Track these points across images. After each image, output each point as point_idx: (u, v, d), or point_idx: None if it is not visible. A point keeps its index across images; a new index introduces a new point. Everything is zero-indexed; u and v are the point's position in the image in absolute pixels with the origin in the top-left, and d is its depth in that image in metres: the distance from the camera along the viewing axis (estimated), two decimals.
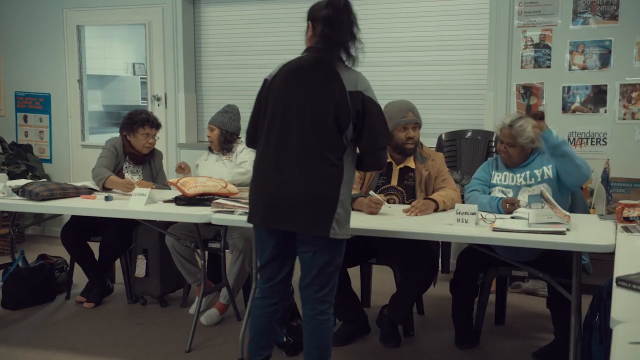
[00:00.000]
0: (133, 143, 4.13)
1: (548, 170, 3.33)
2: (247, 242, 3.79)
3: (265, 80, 2.64)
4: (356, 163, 2.62)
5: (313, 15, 2.54)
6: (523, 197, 3.30)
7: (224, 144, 4.08)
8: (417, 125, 3.46)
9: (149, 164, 4.24)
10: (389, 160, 3.48)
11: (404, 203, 3.47)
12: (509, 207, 3.17)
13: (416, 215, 3.18)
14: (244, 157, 4.00)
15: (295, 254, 2.69)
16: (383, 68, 5.24)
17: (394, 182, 3.51)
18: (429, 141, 4.83)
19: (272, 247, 2.65)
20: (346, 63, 2.53)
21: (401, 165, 3.50)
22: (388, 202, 3.42)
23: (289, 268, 2.74)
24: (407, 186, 3.51)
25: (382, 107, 3.40)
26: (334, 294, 2.66)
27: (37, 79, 6.14)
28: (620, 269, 2.08)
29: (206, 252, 3.80)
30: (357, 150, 2.61)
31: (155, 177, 4.25)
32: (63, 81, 6.05)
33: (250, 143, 2.73)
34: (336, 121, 2.44)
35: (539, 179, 3.33)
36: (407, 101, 3.53)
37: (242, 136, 4.15)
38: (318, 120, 2.45)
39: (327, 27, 2.46)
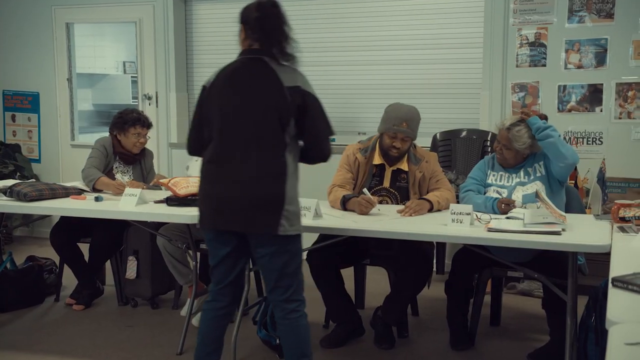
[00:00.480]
0: (123, 142, 4.12)
1: (540, 167, 3.35)
2: None
3: (204, 87, 2.67)
4: (301, 156, 2.68)
5: (244, 18, 2.64)
6: (517, 197, 3.31)
7: None
8: (409, 138, 3.42)
9: (139, 164, 4.23)
10: (381, 162, 3.50)
11: (397, 205, 3.47)
12: (504, 207, 3.18)
13: (410, 215, 3.19)
14: None
15: (246, 255, 2.71)
16: (377, 67, 5.25)
17: (386, 183, 3.52)
18: (423, 140, 4.84)
19: (222, 249, 2.66)
20: (282, 62, 2.59)
21: (394, 167, 3.51)
22: (380, 203, 3.43)
23: (239, 270, 2.72)
24: (400, 188, 3.51)
25: (388, 105, 3.43)
26: (302, 290, 2.68)
27: (26, 77, 6.11)
28: (616, 269, 2.09)
29: (198, 253, 3.79)
30: (301, 144, 2.67)
31: (146, 177, 4.24)
32: (52, 80, 6.03)
33: (193, 151, 2.74)
34: (277, 118, 2.50)
35: (532, 177, 3.35)
36: (410, 109, 3.45)
37: None
38: (259, 120, 2.51)
39: (258, 29, 2.56)
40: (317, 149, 2.66)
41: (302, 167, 5.57)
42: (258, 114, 2.51)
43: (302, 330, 2.65)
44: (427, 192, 3.45)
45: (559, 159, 3.23)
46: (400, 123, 3.38)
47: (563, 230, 2.79)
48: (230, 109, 2.55)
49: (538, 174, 3.34)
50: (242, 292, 2.99)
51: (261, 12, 2.57)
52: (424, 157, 3.52)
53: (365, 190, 3.31)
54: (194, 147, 2.71)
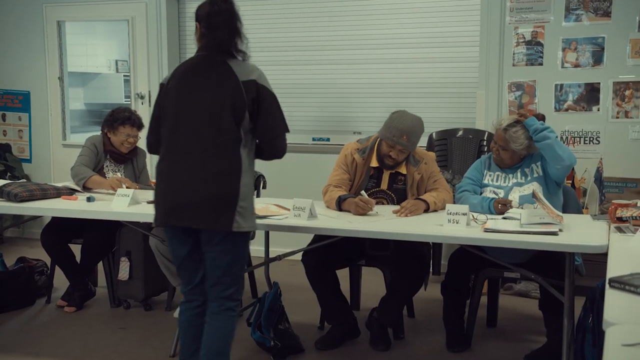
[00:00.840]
0: (113, 141, 4.11)
1: (537, 168, 3.35)
2: None
3: (162, 85, 2.73)
4: (256, 152, 2.71)
5: (198, 16, 2.68)
6: (514, 197, 3.31)
7: None
8: (407, 150, 3.41)
9: (131, 163, 4.22)
10: (377, 165, 3.50)
11: (393, 206, 3.47)
12: (500, 207, 3.19)
13: (406, 216, 3.19)
14: None
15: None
16: (373, 65, 5.25)
17: (384, 185, 3.52)
18: (419, 140, 4.86)
19: (181, 248, 2.69)
20: (237, 57, 2.64)
21: (392, 170, 3.51)
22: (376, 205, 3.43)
23: (205, 270, 2.72)
24: (397, 190, 3.51)
25: (394, 112, 3.41)
26: (242, 293, 2.77)
27: (16, 76, 6.09)
28: (613, 269, 2.09)
29: None
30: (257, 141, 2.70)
31: (138, 177, 4.23)
32: (43, 78, 6.01)
33: (151, 149, 2.78)
34: (233, 112, 2.53)
35: (529, 178, 3.35)
36: (413, 123, 3.39)
37: None
38: (214, 115, 2.54)
39: (211, 26, 2.60)
40: (271, 144, 2.68)
41: (297, 167, 5.60)
42: (213, 109, 2.54)
43: (230, 330, 2.70)
44: (425, 193, 3.45)
45: (556, 161, 3.23)
46: (400, 135, 3.35)
47: (560, 230, 2.80)
48: (185, 105, 2.59)
49: (535, 175, 3.34)
50: None
51: (214, 9, 2.61)
52: (423, 159, 3.51)
53: (363, 192, 3.31)
54: (154, 145, 2.74)
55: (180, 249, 2.68)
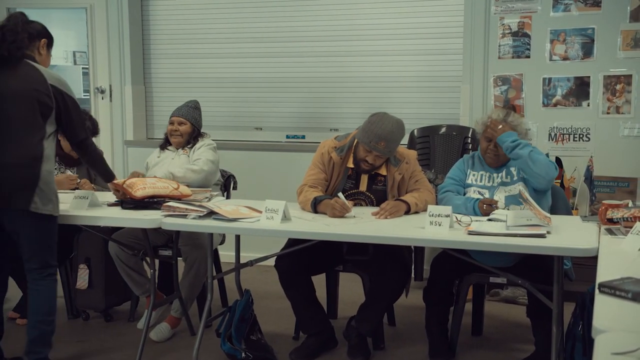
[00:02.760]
0: (62, 144, 4.05)
1: None
2: (201, 249, 3.75)
3: None
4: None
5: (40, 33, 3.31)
6: (500, 198, 3.34)
7: (192, 141, 4.09)
8: (384, 156, 3.40)
9: (84, 165, 4.16)
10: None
11: (372, 207, 3.47)
12: (485, 208, 3.21)
13: (385, 217, 3.19)
14: (200, 154, 3.98)
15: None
16: (350, 58, 5.26)
17: (363, 187, 3.52)
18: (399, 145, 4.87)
19: None
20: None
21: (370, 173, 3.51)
22: (355, 207, 3.44)
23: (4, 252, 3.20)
24: (377, 191, 3.51)
25: (373, 114, 3.42)
26: (55, 257, 3.20)
27: None
28: (603, 274, 2.12)
29: (156, 261, 3.75)
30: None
31: (95, 178, 4.18)
32: None
33: None
34: (40, 110, 3.02)
35: (515, 177, 3.37)
36: (392, 128, 3.36)
37: (207, 135, 4.16)
38: (23, 109, 3.00)
39: (12, 35, 3.06)
40: (79, 149, 3.27)
41: (270, 167, 5.58)
42: (23, 103, 3.00)
43: (53, 292, 3.19)
44: (406, 194, 3.46)
45: (534, 177, 3.27)
46: (378, 141, 3.34)
47: (548, 232, 2.82)
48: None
49: (521, 174, 3.36)
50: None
51: (9, 22, 3.11)
52: (404, 158, 3.51)
53: (340, 194, 3.31)
54: None
55: None
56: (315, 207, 3.30)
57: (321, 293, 3.73)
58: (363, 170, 3.46)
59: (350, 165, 3.50)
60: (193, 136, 4.10)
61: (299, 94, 5.44)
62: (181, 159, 4.04)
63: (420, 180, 3.51)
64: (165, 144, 4.17)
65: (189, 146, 4.08)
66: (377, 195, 3.50)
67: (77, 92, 7.23)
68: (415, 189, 3.47)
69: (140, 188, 3.39)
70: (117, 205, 3.42)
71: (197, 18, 5.61)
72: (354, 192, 3.52)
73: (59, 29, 7.17)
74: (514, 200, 3.27)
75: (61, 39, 7.18)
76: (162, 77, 5.79)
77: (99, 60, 5.72)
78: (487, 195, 3.37)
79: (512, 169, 3.40)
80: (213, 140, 4.20)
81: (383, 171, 3.49)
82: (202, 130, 4.16)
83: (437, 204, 3.39)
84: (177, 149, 4.10)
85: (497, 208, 3.19)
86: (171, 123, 4.10)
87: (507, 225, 2.84)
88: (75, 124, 3.15)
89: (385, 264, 3.36)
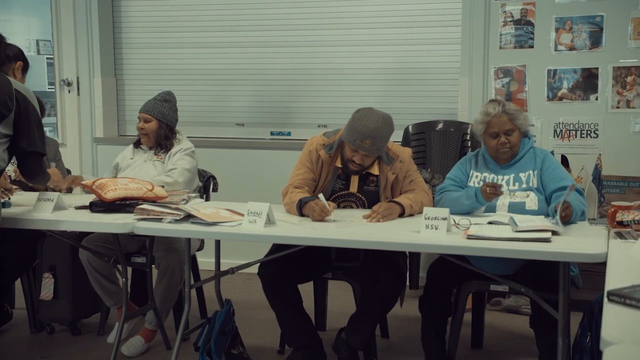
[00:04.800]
0: None
1: (533, 177, 3.38)
2: (177, 256, 3.75)
3: None
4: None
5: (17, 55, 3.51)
6: (503, 203, 3.34)
7: (163, 140, 4.03)
8: (373, 155, 3.41)
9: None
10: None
11: (364, 210, 3.49)
12: (489, 191, 3.21)
13: (378, 221, 3.20)
14: (175, 163, 3.95)
15: None
16: (338, 48, 5.27)
17: (354, 188, 3.52)
18: (394, 134, 4.86)
19: None
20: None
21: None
22: (346, 209, 3.46)
23: None
24: (369, 192, 3.52)
25: (357, 110, 3.44)
26: None
27: None
28: (613, 281, 2.13)
29: (128, 269, 3.74)
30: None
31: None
32: None
33: None
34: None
35: (524, 185, 3.38)
36: (378, 125, 3.34)
37: (180, 133, 4.13)
38: None
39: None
40: (22, 161, 3.30)
41: (253, 166, 5.57)
42: None
43: None
44: (400, 193, 3.47)
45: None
46: (363, 139, 3.32)
47: (553, 233, 2.83)
48: None
49: (531, 184, 3.37)
50: None
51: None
52: (398, 156, 3.52)
53: (321, 195, 3.31)
54: None
55: None
56: (301, 209, 3.30)
57: (309, 303, 3.73)
58: (352, 171, 3.47)
59: (339, 164, 3.51)
60: (163, 135, 4.03)
61: (284, 87, 5.44)
62: (156, 166, 4.01)
63: (415, 181, 3.52)
64: (139, 142, 4.15)
65: (163, 150, 4.04)
66: (369, 197, 3.51)
67: (41, 85, 7.19)
68: (410, 189, 3.48)
69: (111, 189, 3.38)
70: (86, 208, 3.41)
71: (173, 4, 5.60)
72: (344, 194, 3.52)
73: (20, 16, 7.16)
74: (518, 209, 3.28)
75: (23, 27, 7.16)
76: (135, 68, 5.77)
77: (65, 49, 5.69)
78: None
79: (522, 174, 3.40)
80: (190, 137, 4.19)
81: (375, 170, 3.50)
82: (177, 128, 4.12)
83: (434, 205, 3.40)
84: (150, 149, 4.08)
85: (501, 193, 3.20)
86: (138, 120, 4.08)
87: (515, 228, 2.85)
88: (34, 136, 3.20)
89: (378, 271, 3.36)
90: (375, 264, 3.38)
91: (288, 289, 3.46)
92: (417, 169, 3.64)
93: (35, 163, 3.29)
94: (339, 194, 3.51)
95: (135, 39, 5.73)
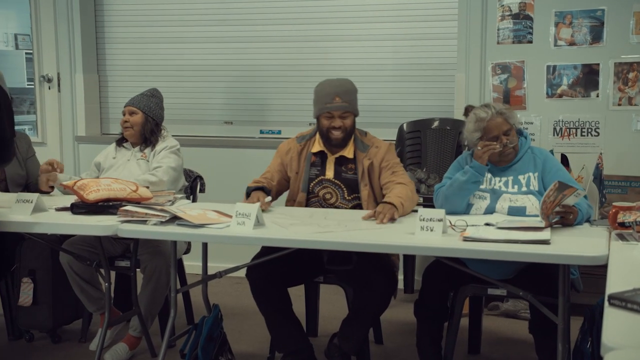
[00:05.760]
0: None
1: (534, 180, 3.39)
2: (163, 259, 3.74)
3: None
4: None
5: None
6: (502, 207, 3.35)
7: (148, 135, 4.02)
8: (348, 112, 3.56)
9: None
10: (321, 149, 3.61)
11: (344, 199, 3.56)
12: (482, 148, 3.28)
13: (385, 222, 3.19)
14: (160, 161, 3.94)
15: None
16: (329, 43, 5.27)
17: (330, 174, 3.61)
18: (387, 132, 4.90)
19: None
20: None
21: (337, 155, 3.59)
22: (324, 197, 3.59)
23: None
24: (347, 179, 3.59)
25: (317, 85, 3.52)
26: None
27: None
28: (614, 284, 2.13)
29: (112, 273, 3.74)
30: None
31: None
32: None
33: None
34: None
35: (524, 188, 3.38)
36: (341, 81, 3.64)
37: (166, 130, 4.13)
38: None
39: None
40: None
41: (242, 166, 5.58)
42: None
43: None
44: (381, 185, 3.52)
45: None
46: (331, 99, 3.53)
47: (544, 229, 2.86)
48: None
49: (532, 187, 3.38)
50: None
51: None
52: (373, 143, 3.62)
53: (268, 197, 3.46)
54: None
55: None
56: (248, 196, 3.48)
57: (300, 307, 3.73)
58: (336, 138, 3.56)
59: (315, 149, 3.63)
60: (149, 129, 4.03)
61: (274, 83, 5.44)
62: (140, 165, 4.00)
63: (397, 172, 3.57)
64: (121, 140, 4.14)
65: (147, 148, 4.03)
66: (347, 184, 3.60)
67: (20, 81, 7.17)
68: (391, 181, 3.51)
69: (94, 190, 3.37)
70: (67, 210, 3.40)
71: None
72: (320, 180, 3.61)
73: None
74: (519, 213, 3.29)
75: (0, 20, 7.13)
76: (119, 64, 5.76)
77: (45, 44, 5.67)
78: (488, 201, 3.38)
79: (521, 177, 3.41)
80: (176, 136, 4.19)
81: (350, 153, 3.59)
82: (163, 124, 4.13)
83: (423, 203, 3.40)
84: (134, 146, 4.07)
85: (496, 148, 3.27)
86: (123, 114, 4.08)
87: (497, 226, 2.90)
88: (3, 119, 3.11)
89: (369, 273, 3.37)
90: (367, 265, 3.39)
91: (277, 292, 3.47)
92: (411, 168, 3.67)
93: (4, 150, 3.23)
94: (316, 180, 3.61)
95: (119, 33, 5.72)
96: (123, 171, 3.96)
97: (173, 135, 4.19)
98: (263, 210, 3.27)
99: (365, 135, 3.67)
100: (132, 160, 4.04)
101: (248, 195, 3.51)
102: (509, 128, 3.41)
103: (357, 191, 3.57)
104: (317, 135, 3.66)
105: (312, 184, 3.60)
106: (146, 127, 4.03)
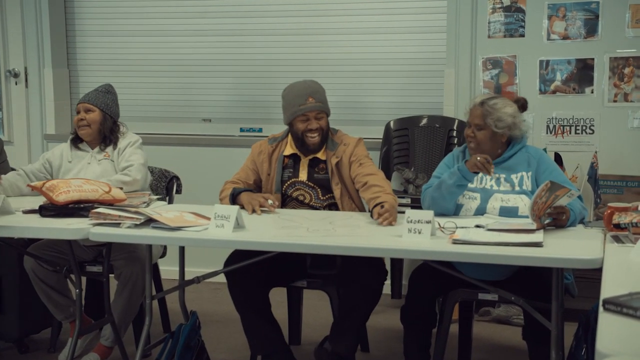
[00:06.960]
0: None
1: (527, 180, 3.39)
2: (137, 264, 3.73)
3: None
4: None
5: None
6: (493, 206, 3.36)
7: (108, 134, 3.97)
8: (323, 113, 3.61)
9: None
10: (294, 151, 3.68)
11: (318, 199, 3.61)
12: (479, 159, 3.23)
13: (390, 224, 3.20)
14: (130, 159, 3.87)
15: None
16: (313, 37, 5.27)
17: (303, 176, 3.65)
18: (373, 130, 4.91)
19: None
20: None
21: (310, 157, 3.65)
22: (297, 199, 3.63)
23: None
24: (319, 180, 3.65)
25: (282, 91, 3.56)
26: None
27: None
28: (609, 289, 2.14)
29: (83, 279, 3.72)
30: None
31: None
32: None
33: None
34: None
35: (517, 188, 3.39)
36: (309, 82, 3.70)
37: (124, 125, 4.08)
38: None
39: None
40: None
41: (221, 165, 5.56)
42: None
43: None
44: (352, 179, 3.57)
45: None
46: (305, 100, 3.59)
47: (536, 230, 2.87)
48: None
49: (525, 187, 3.39)
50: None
51: None
52: (342, 141, 3.67)
53: (270, 200, 3.46)
54: None
55: None
56: (234, 200, 3.49)
57: (282, 314, 3.73)
58: (314, 143, 3.60)
59: (287, 152, 3.67)
60: (108, 127, 3.95)
61: (255, 79, 5.43)
62: (103, 166, 3.93)
63: (365, 164, 3.60)
64: (76, 140, 4.03)
65: (109, 147, 3.96)
66: (320, 184, 3.65)
67: None
68: (360, 173, 3.55)
69: (64, 192, 3.36)
70: (35, 212, 3.38)
71: None
72: (293, 182, 3.66)
73: None
74: (511, 213, 3.30)
75: None
76: (90, 58, 5.74)
77: (12, 37, 5.64)
78: (478, 201, 3.39)
79: (514, 176, 3.41)
80: (151, 134, 4.17)
81: (322, 155, 3.65)
82: (126, 122, 4.06)
83: (410, 205, 3.41)
84: (92, 147, 4.00)
85: (489, 171, 3.23)
86: (77, 112, 4.00)
87: (488, 227, 2.92)
88: None
89: (357, 267, 3.36)
90: (352, 267, 3.38)
91: (256, 291, 3.47)
92: (399, 168, 3.68)
93: None
94: (288, 182, 3.66)
95: (90, 25, 5.69)
96: (86, 175, 3.81)
97: (150, 134, 4.15)
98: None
99: (336, 134, 3.72)
100: (92, 163, 3.94)
101: (234, 197, 3.52)
102: (479, 124, 3.40)
103: (332, 191, 3.62)
104: (289, 137, 3.70)
105: (284, 186, 3.65)
106: (105, 125, 3.95)
